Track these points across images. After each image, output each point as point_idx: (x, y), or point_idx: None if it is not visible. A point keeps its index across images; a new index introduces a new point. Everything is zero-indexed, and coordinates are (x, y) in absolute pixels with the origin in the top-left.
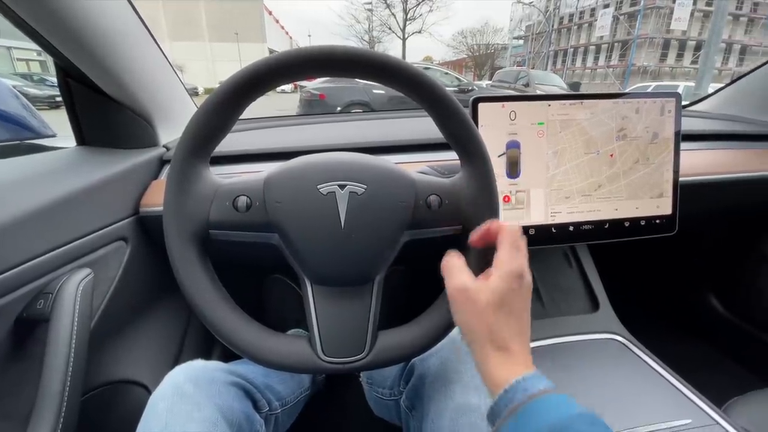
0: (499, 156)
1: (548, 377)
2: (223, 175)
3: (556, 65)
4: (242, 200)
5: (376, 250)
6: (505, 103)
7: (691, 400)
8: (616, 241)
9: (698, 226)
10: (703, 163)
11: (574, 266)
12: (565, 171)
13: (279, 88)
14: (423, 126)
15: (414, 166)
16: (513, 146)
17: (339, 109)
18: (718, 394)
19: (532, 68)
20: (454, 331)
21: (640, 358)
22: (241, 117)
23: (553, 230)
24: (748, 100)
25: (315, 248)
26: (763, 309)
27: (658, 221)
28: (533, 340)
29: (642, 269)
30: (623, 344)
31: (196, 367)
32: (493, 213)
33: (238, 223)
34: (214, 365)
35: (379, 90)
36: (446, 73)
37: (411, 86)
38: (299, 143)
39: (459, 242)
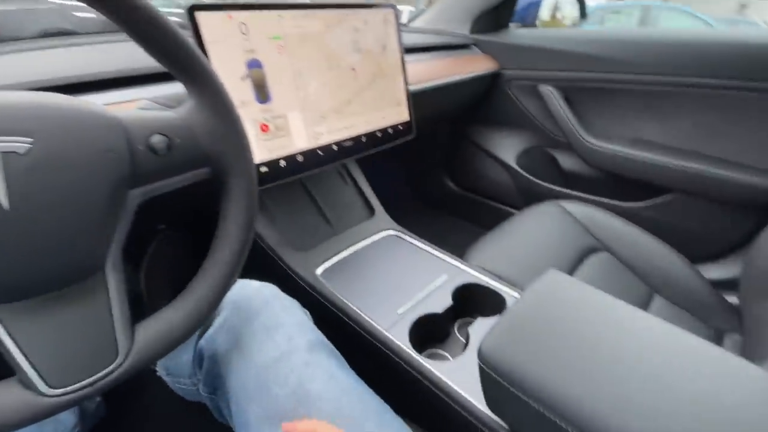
0: (242, 79)
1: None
2: None
3: None
4: None
5: (84, 228)
6: (232, 13)
7: (446, 261)
8: (375, 151)
9: (430, 126)
10: (424, 71)
11: (349, 182)
12: (315, 90)
13: None
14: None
15: (134, 106)
16: (254, 66)
17: None
18: (463, 248)
19: None
20: (236, 293)
21: (410, 242)
22: None
23: (320, 153)
24: (450, 16)
25: None
26: (480, 181)
27: (401, 127)
28: (326, 260)
29: (401, 169)
30: (396, 236)
31: None
32: (241, 145)
33: None
34: None
35: (86, 13)
36: None
37: None
38: None
39: (216, 189)
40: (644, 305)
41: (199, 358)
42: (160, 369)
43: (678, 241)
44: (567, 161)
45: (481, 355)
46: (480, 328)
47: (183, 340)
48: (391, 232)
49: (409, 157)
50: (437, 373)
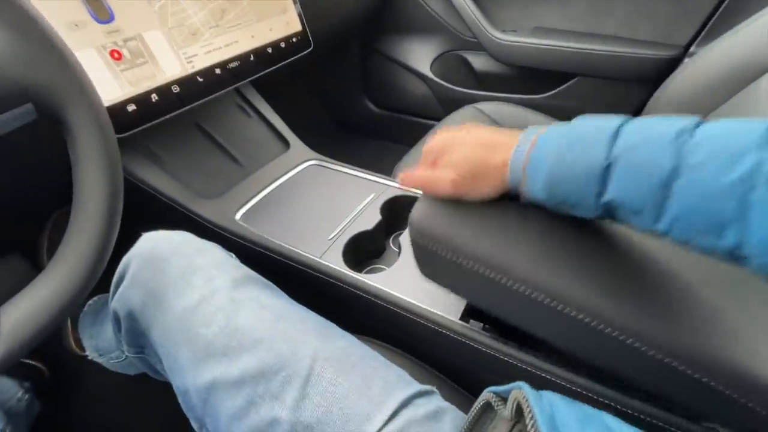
0: None
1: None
2: None
3: None
4: None
5: None
6: None
7: (372, 180)
8: (270, 71)
9: (337, 40)
10: None
11: (253, 114)
12: None
13: None
14: None
15: None
16: None
17: None
18: (392, 167)
19: None
20: (142, 246)
21: (332, 168)
22: None
23: (200, 80)
24: None
25: None
26: (399, 96)
27: (295, 40)
28: (244, 204)
29: (315, 94)
30: (317, 165)
31: None
32: (66, 66)
33: None
34: None
35: None
36: None
37: None
38: None
39: (60, 135)
40: None
41: (116, 321)
42: (91, 352)
43: None
44: (479, 62)
45: (411, 228)
46: None
47: (59, 317)
48: (311, 162)
49: (321, 79)
50: (375, 285)
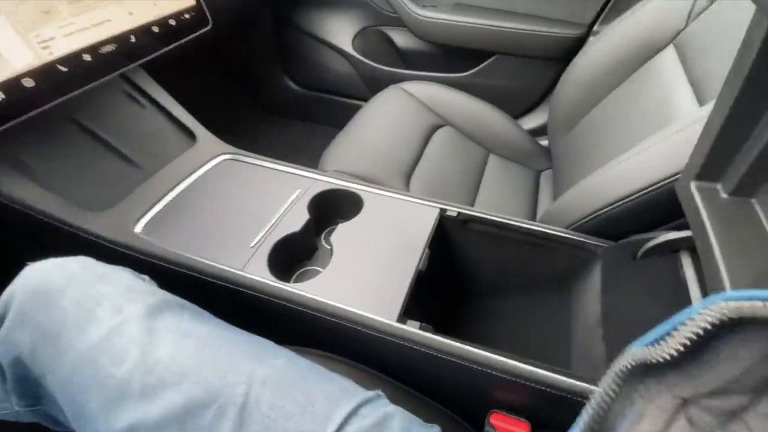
0: None
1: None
2: None
3: None
4: None
5: None
6: None
7: (296, 174)
8: (161, 53)
9: (247, 14)
10: None
11: (147, 104)
12: None
13: None
14: None
15: None
16: None
17: None
18: (318, 156)
19: None
20: (25, 278)
21: (249, 163)
22: None
23: (62, 69)
24: None
25: None
26: (321, 75)
27: (188, 16)
28: (145, 213)
29: (233, 76)
30: (232, 159)
31: None
32: None
33: None
34: None
35: None
36: None
37: None
38: None
39: None
40: (483, 165)
41: None
42: None
43: (502, 101)
44: (402, 39)
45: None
46: (342, 232)
47: None
48: (224, 156)
49: (234, 57)
50: (307, 294)
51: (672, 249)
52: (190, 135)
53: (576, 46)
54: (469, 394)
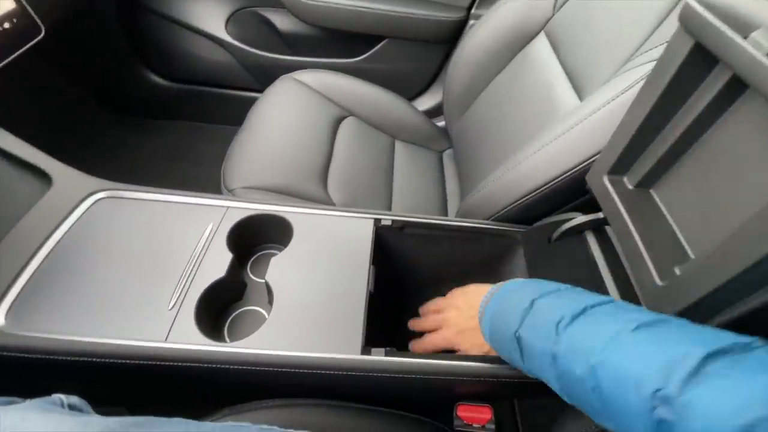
0: None
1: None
2: None
3: None
4: None
5: None
6: None
7: (201, 204)
8: None
9: (68, 8)
10: None
11: None
12: None
13: None
14: None
15: None
16: None
17: None
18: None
19: None
20: None
21: (136, 199)
22: None
23: None
24: None
25: None
26: (192, 65)
27: (8, 25)
28: (7, 289)
29: (77, 76)
30: (110, 198)
31: None
32: None
33: None
34: None
35: None
36: None
37: None
38: None
39: None
40: (392, 153)
41: None
42: None
43: (394, 85)
44: (283, 22)
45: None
46: (277, 267)
47: None
48: (98, 195)
49: (83, 60)
50: (255, 351)
51: (578, 230)
52: (43, 176)
53: (458, 29)
54: (435, 397)
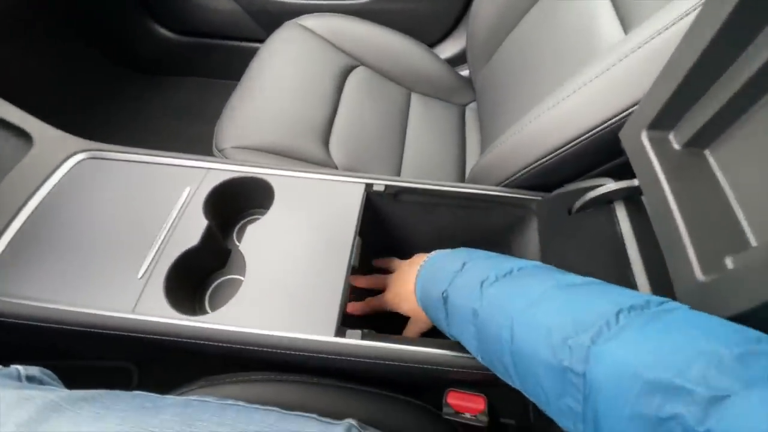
0: None
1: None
2: None
3: None
4: None
5: None
6: None
7: (182, 166)
8: None
9: None
10: None
11: None
12: None
13: None
14: None
15: None
16: None
17: None
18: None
19: None
20: None
21: (117, 160)
22: None
23: None
24: None
25: None
26: (197, 15)
27: None
28: None
29: (80, 29)
30: (92, 158)
31: None
32: None
33: None
34: None
35: None
36: None
37: None
38: None
39: None
40: (407, 107)
41: None
42: None
43: (414, 29)
44: None
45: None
46: (252, 236)
47: None
48: (79, 156)
49: (86, 12)
50: (220, 327)
51: (607, 201)
52: (24, 135)
53: None
54: (423, 382)
